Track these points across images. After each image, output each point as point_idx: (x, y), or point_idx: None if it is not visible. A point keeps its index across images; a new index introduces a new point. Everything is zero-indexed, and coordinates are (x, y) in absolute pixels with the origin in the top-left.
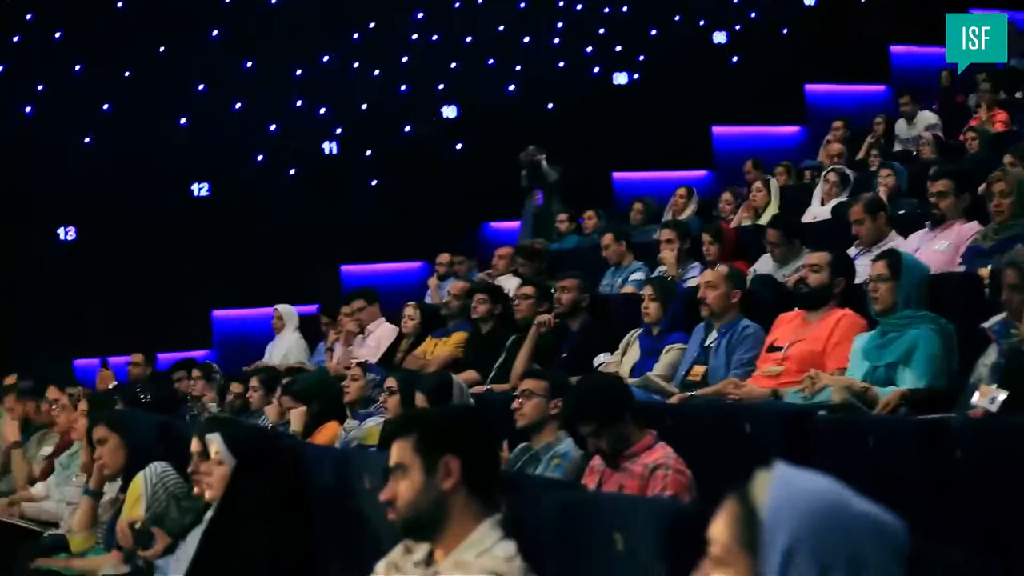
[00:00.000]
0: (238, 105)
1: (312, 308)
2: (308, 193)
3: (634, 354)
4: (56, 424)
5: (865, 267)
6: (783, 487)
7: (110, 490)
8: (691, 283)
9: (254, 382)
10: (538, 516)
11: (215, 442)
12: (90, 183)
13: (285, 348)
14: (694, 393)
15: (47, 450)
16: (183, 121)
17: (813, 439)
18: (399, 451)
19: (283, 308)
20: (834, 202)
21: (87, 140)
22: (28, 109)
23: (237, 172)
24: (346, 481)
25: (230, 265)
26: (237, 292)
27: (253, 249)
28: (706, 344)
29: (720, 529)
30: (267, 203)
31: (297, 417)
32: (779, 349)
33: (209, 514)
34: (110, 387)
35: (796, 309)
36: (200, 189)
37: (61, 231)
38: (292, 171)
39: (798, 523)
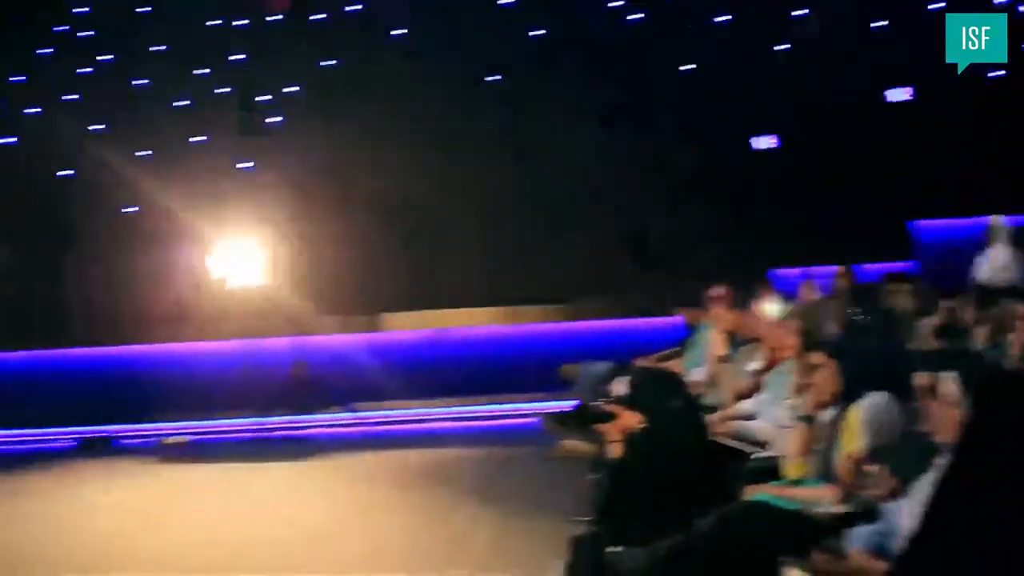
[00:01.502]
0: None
1: None
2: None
3: None
4: (764, 340)
5: None
6: None
7: (824, 417)
8: None
9: (965, 299)
10: None
11: (949, 381)
12: (788, 91)
13: (996, 263)
14: None
15: (754, 366)
16: (882, 23)
17: None
18: None
19: (995, 220)
20: None
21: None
22: (726, 18)
23: (937, 76)
24: None
25: (930, 172)
26: (941, 201)
27: (955, 154)
28: None
29: None
30: (973, 109)
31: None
32: None
33: (940, 460)
34: (815, 299)
35: None
36: (901, 94)
37: (757, 140)
38: (998, 73)
39: None
